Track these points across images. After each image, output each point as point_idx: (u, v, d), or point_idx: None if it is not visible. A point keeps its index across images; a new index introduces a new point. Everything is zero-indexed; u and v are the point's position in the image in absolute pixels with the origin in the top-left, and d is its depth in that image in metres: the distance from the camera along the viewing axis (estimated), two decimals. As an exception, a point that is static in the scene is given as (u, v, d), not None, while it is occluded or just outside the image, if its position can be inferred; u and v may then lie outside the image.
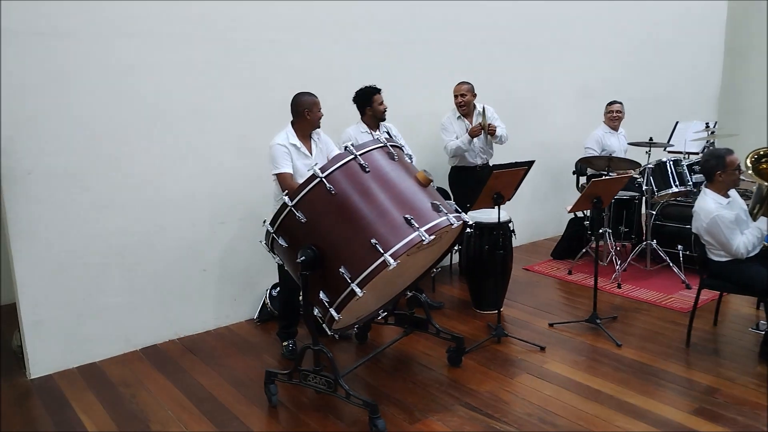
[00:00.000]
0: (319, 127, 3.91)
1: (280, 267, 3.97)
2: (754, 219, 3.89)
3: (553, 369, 3.86)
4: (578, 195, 6.33)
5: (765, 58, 8.56)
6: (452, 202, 3.41)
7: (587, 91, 6.95)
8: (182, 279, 4.44)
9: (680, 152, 6.33)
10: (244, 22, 4.47)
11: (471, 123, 5.18)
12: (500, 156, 5.31)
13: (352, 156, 3.17)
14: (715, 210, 3.78)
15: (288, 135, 3.81)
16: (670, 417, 3.28)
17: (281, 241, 3.23)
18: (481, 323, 4.65)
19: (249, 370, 3.96)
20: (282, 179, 3.75)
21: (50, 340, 3.95)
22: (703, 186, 3.96)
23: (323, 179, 3.10)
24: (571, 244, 6.05)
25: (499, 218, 4.28)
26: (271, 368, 3.56)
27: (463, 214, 3.36)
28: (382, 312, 3.81)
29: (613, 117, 6.15)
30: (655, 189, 5.52)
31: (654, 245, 5.49)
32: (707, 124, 6.31)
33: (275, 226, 3.23)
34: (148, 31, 4.07)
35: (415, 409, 3.43)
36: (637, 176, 5.73)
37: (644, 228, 5.83)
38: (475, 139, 5.11)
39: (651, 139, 5.50)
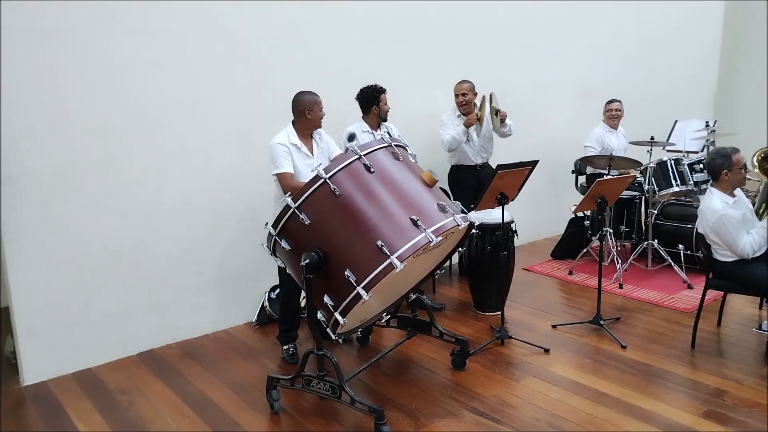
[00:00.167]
0: (320, 127, 3.83)
1: (281, 269, 3.90)
2: (760, 218, 3.86)
3: (558, 372, 3.80)
4: (577, 194, 6.37)
5: (761, 57, 8.56)
6: (458, 202, 3.33)
7: (586, 90, 6.92)
8: (179, 282, 4.35)
9: (680, 151, 6.30)
10: (244, 19, 4.39)
11: (473, 122, 5.12)
12: (499, 155, 5.26)
13: (357, 156, 3.09)
14: (721, 209, 3.74)
15: (289, 134, 3.73)
16: (679, 420, 3.23)
17: (284, 244, 3.15)
18: (483, 325, 4.59)
19: (249, 375, 3.88)
20: (282, 179, 3.67)
21: (45, 346, 3.85)
22: (709, 185, 3.92)
23: (327, 180, 3.02)
24: (571, 244, 6.01)
25: (503, 218, 4.22)
26: (272, 373, 3.48)
27: (469, 215, 3.29)
28: (386, 315, 3.73)
29: (613, 115, 6.11)
30: (656, 188, 5.48)
31: (655, 245, 5.45)
32: (707, 122, 6.29)
33: (278, 229, 3.15)
34: (144, 27, 3.98)
35: (420, 415, 3.36)
36: (638, 175, 5.69)
37: (644, 227, 5.79)
38: (474, 136, 5.05)
39: (652, 138, 5.46)
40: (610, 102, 6.14)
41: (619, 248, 5.63)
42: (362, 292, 2.92)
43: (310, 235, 3.06)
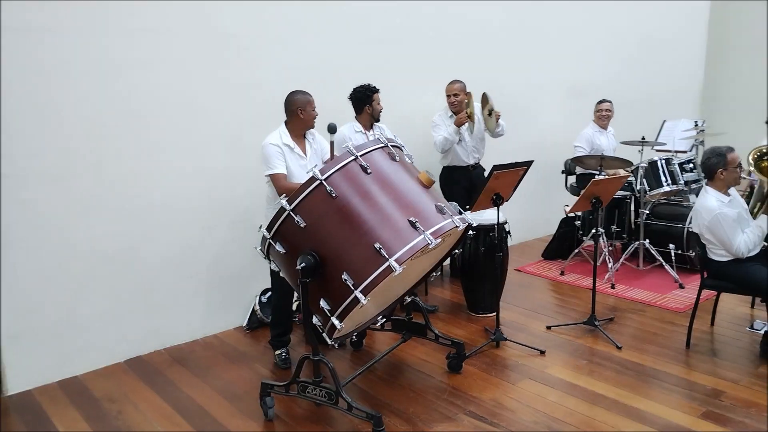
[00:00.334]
0: (313, 127, 3.76)
1: (273, 273, 3.81)
2: (755, 217, 3.86)
3: (555, 374, 3.77)
4: (567, 194, 6.35)
5: (746, 58, 8.64)
6: (455, 203, 3.28)
7: (577, 91, 6.91)
8: (168, 286, 4.25)
9: (669, 151, 6.30)
10: (235, 18, 4.30)
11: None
12: (489, 156, 5.24)
13: (353, 157, 3.03)
14: (717, 208, 3.73)
15: (281, 134, 3.66)
16: (678, 422, 3.21)
17: (279, 247, 3.08)
18: (477, 327, 4.54)
19: (241, 381, 3.79)
20: (275, 180, 3.60)
21: (29, 354, 3.73)
22: (704, 184, 3.91)
23: (323, 182, 2.95)
24: (563, 244, 6.00)
25: (498, 219, 4.18)
26: (266, 379, 3.40)
27: (466, 216, 3.24)
28: (381, 318, 3.67)
29: (603, 116, 6.12)
30: (647, 188, 5.48)
31: (647, 245, 5.45)
32: (696, 122, 6.31)
33: (272, 232, 3.07)
34: (134, 26, 3.88)
35: (417, 420, 3.30)
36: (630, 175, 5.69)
37: (633, 227, 5.79)
38: (466, 137, 5.01)
39: (643, 138, 5.46)
40: (600, 102, 6.14)
41: (610, 248, 5.62)
42: (360, 296, 2.86)
43: (306, 238, 2.99)
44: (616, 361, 3.92)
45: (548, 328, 4.45)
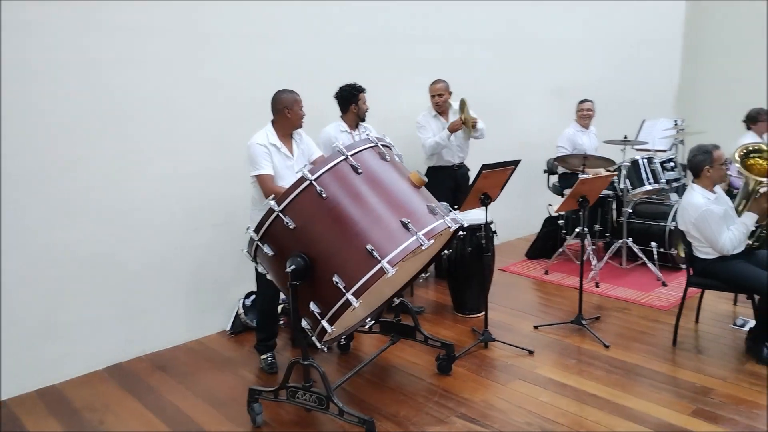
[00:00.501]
0: (300, 127, 3.68)
1: (258, 276, 3.73)
2: (739, 215, 3.88)
3: (545, 374, 3.75)
4: (550, 194, 6.36)
5: (721, 57, 8.76)
6: (445, 203, 3.24)
7: (558, 91, 6.93)
8: (149, 291, 4.14)
9: (648, 150, 6.35)
10: (217, 17, 4.21)
11: (447, 120, 5.05)
12: (472, 156, 5.23)
13: (343, 157, 2.97)
14: (704, 204, 3.75)
15: (268, 134, 3.57)
16: (670, 420, 3.20)
17: (267, 249, 3.00)
18: (463, 328, 4.51)
19: (226, 387, 3.70)
20: (262, 181, 3.51)
21: (5, 362, 3.59)
22: (690, 181, 3.92)
23: (313, 182, 2.88)
24: (546, 243, 6.00)
25: (486, 219, 4.15)
26: (254, 385, 3.33)
27: (458, 216, 3.20)
28: (370, 320, 3.61)
29: (584, 115, 6.14)
30: (629, 187, 5.50)
31: (629, 243, 5.47)
32: (676, 121, 6.36)
33: (260, 233, 2.99)
34: (113, 23, 3.77)
35: (408, 423, 3.25)
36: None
37: (615, 225, 5.82)
38: (453, 136, 4.98)
39: (626, 137, 5.49)
40: (581, 102, 6.16)
41: (593, 247, 5.64)
42: (352, 299, 2.80)
43: (295, 240, 2.91)
44: (605, 360, 3.92)
45: (535, 327, 4.43)
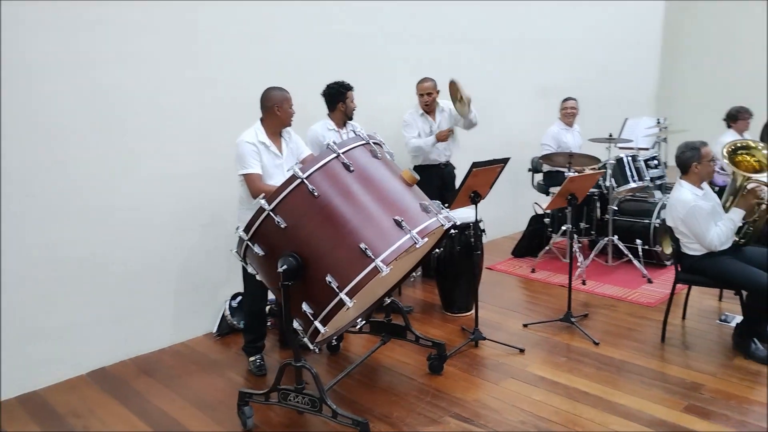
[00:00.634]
0: (290, 125, 3.62)
1: (246, 276, 3.67)
2: (726, 211, 3.90)
3: (536, 372, 3.74)
4: (534, 192, 6.37)
5: (700, 56, 8.88)
6: (437, 201, 3.20)
7: (542, 89, 6.95)
8: (134, 293, 4.04)
9: (631, 148, 6.39)
10: (205, 13, 4.13)
11: (434, 120, 5.03)
12: (456, 154, 5.22)
13: (335, 154, 2.92)
14: (692, 200, 3.76)
15: (257, 132, 3.50)
16: (662, 417, 3.20)
17: (257, 249, 2.94)
18: (452, 326, 4.48)
19: (214, 390, 3.63)
20: (250, 180, 3.44)
21: (-16, 368, 3.49)
22: (678, 178, 3.94)
23: (305, 180, 2.83)
24: (532, 242, 6.00)
25: (476, 217, 4.13)
26: (240, 387, 3.27)
27: (450, 214, 3.17)
28: (360, 321, 3.57)
29: (568, 113, 6.17)
30: (614, 185, 5.53)
31: (615, 240, 5.50)
32: (659, 120, 6.42)
33: (250, 233, 2.93)
34: (98, 20, 3.67)
35: (402, 424, 3.21)
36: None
37: (597, 223, 5.84)
38: (438, 145, 4.96)
39: (611, 135, 5.51)
40: (565, 100, 6.19)
41: (579, 245, 5.65)
42: (345, 299, 2.75)
43: (287, 240, 2.86)
44: (595, 357, 3.92)
45: (525, 326, 4.42)
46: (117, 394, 3.61)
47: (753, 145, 3.87)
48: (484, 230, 4.56)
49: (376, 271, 2.74)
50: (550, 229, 5.85)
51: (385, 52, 5.34)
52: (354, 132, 4.24)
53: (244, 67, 4.33)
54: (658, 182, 5.77)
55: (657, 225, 5.45)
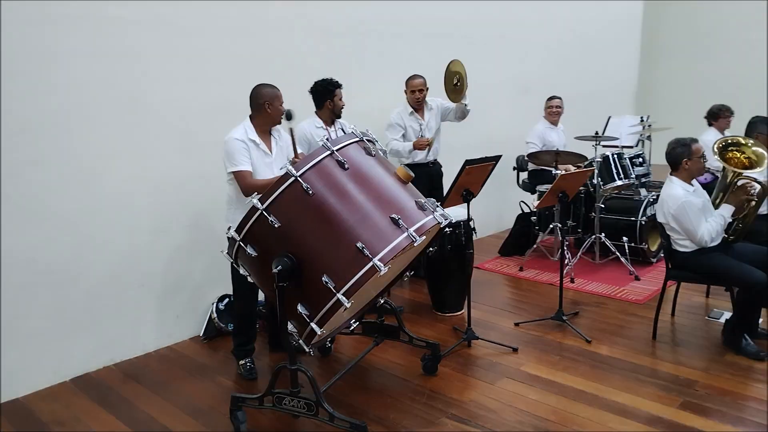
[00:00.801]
0: (280, 123, 3.54)
1: (235, 278, 3.59)
2: (716, 207, 3.92)
3: (531, 371, 3.71)
4: (519, 191, 6.37)
5: (678, 55, 8.98)
6: (432, 199, 3.15)
7: (524, 87, 6.95)
8: (117, 296, 3.92)
9: (616, 146, 6.42)
10: (189, 8, 4.03)
11: (422, 117, 4.98)
12: (441, 153, 5.19)
13: (329, 152, 2.85)
14: (683, 196, 3.77)
15: (246, 129, 3.42)
16: (659, 414, 3.19)
17: (249, 250, 2.86)
18: (443, 326, 4.44)
19: (204, 395, 3.54)
20: (241, 178, 3.35)
21: (-38, 377, 3.35)
22: (668, 174, 3.94)
23: (298, 178, 2.76)
24: (519, 240, 5.99)
25: (468, 215, 4.09)
26: (231, 391, 3.19)
27: (447, 212, 3.12)
28: (354, 322, 3.50)
29: (553, 112, 6.17)
30: (601, 183, 5.54)
31: (603, 238, 5.51)
32: (642, 118, 6.45)
33: (242, 233, 2.85)
34: (76, 12, 3.54)
35: (399, 426, 3.16)
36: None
37: (583, 221, 5.85)
38: (426, 132, 4.92)
39: (597, 133, 5.53)
40: (550, 99, 6.18)
41: (567, 243, 5.65)
42: (343, 299, 2.69)
43: (281, 239, 2.79)
44: (588, 355, 3.90)
45: (516, 324, 4.40)
46: (103, 400, 3.50)
47: (743, 141, 3.89)
48: (474, 229, 4.52)
49: (374, 270, 2.68)
50: (537, 228, 5.84)
51: (369, 49, 5.28)
52: (343, 130, 4.22)
53: (227, 64, 4.24)
54: (644, 180, 5.79)
55: (643, 222, 5.47)
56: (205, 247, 4.25)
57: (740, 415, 3.17)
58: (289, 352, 2.94)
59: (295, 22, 4.67)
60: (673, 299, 4.53)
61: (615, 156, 5.59)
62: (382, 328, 3.76)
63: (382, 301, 3.60)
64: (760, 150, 3.86)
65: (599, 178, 5.52)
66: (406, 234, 2.76)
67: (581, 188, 5.73)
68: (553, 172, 5.38)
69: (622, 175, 5.56)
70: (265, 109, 3.42)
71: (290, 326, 2.89)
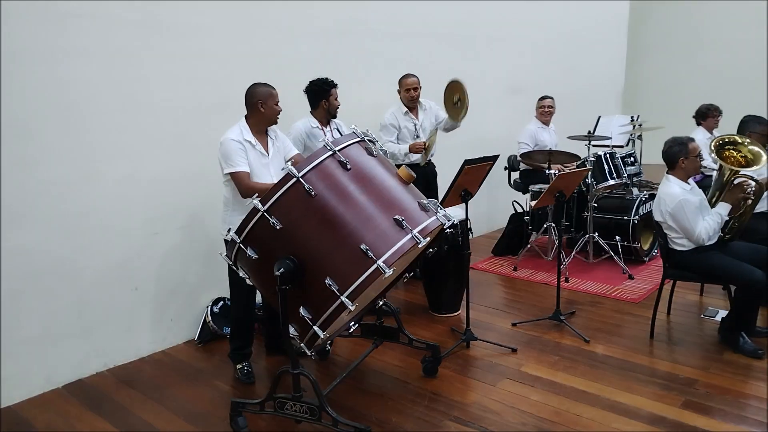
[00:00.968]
0: (275, 123, 3.47)
1: (233, 281, 3.53)
2: (713, 206, 3.93)
3: (531, 372, 3.69)
4: (511, 191, 6.36)
5: (663, 56, 9.04)
6: (434, 200, 3.11)
7: (514, 87, 6.95)
8: (109, 300, 3.84)
9: (607, 145, 6.44)
10: (183, 7, 3.95)
11: (416, 117, 4.95)
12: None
13: (330, 152, 2.80)
14: (680, 194, 3.77)
15: (242, 130, 3.35)
16: (662, 414, 3.18)
17: (250, 252, 2.80)
18: (441, 327, 4.41)
19: (201, 400, 3.47)
20: (238, 179, 3.28)
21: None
22: (665, 173, 3.95)
23: (300, 179, 2.71)
24: (512, 240, 5.98)
25: (467, 216, 4.06)
26: (228, 396, 3.13)
27: (449, 213, 3.09)
28: (353, 324, 3.45)
29: (545, 112, 6.17)
30: (594, 182, 5.55)
31: (596, 237, 5.51)
32: (632, 117, 6.48)
33: (243, 235, 2.79)
34: (68, 10, 3.46)
35: (403, 430, 3.11)
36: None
37: (575, 220, 5.86)
38: (420, 132, 4.89)
39: (590, 132, 5.53)
40: (542, 98, 6.19)
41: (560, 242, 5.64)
42: (347, 302, 2.64)
43: (283, 241, 2.73)
44: (587, 355, 3.89)
45: (514, 325, 4.38)
46: (98, 407, 3.42)
47: (740, 140, 3.91)
48: (471, 229, 4.50)
49: (378, 272, 2.63)
50: (531, 227, 5.83)
51: (360, 49, 5.23)
52: (338, 130, 4.18)
53: (220, 63, 4.17)
54: (635, 179, 5.81)
55: (636, 221, 5.48)
56: (200, 249, 4.18)
57: (742, 414, 3.17)
58: (291, 356, 2.89)
59: (290, 22, 4.61)
60: (668, 298, 4.54)
61: (607, 155, 5.60)
62: (381, 329, 3.72)
63: (381, 303, 3.56)
64: (756, 148, 3.87)
65: (592, 178, 5.52)
66: (410, 236, 2.73)
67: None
68: (547, 171, 5.37)
69: (614, 175, 5.56)
70: (259, 108, 3.35)
71: (292, 330, 2.84)
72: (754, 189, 3.84)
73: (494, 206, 6.69)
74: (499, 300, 4.98)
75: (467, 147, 5.72)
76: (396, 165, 3.13)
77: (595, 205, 5.58)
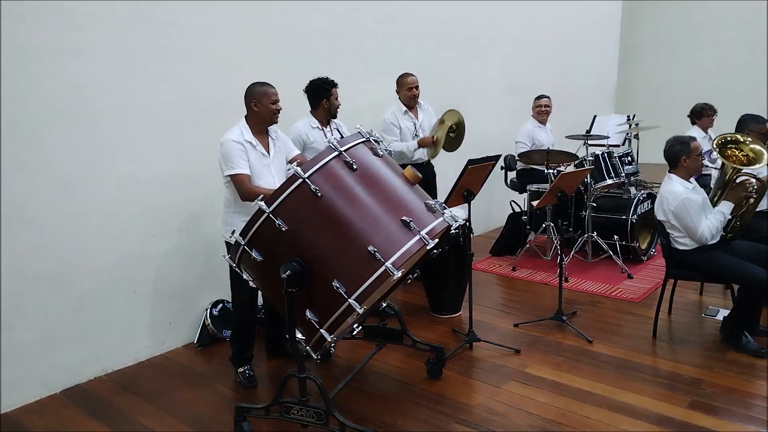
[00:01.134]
0: (273, 122, 3.39)
1: (234, 283, 3.48)
2: (714, 205, 3.93)
3: (536, 373, 3.67)
4: (508, 190, 6.35)
5: (656, 56, 9.08)
6: (440, 200, 3.08)
7: (510, 87, 6.93)
8: (107, 304, 3.77)
9: (603, 145, 6.44)
10: (180, 6, 3.89)
11: (416, 117, 4.92)
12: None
13: (336, 153, 2.76)
14: (683, 193, 3.77)
15: (242, 130, 3.29)
16: (669, 414, 3.17)
17: (255, 255, 2.76)
18: (444, 329, 4.38)
19: (203, 404, 3.42)
20: (238, 182, 3.23)
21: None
22: (667, 172, 3.94)
23: (306, 180, 2.67)
24: (510, 240, 5.96)
25: (469, 216, 4.03)
26: (230, 400, 3.08)
27: (456, 214, 3.05)
28: (357, 326, 3.41)
29: (542, 111, 6.16)
30: (592, 182, 5.54)
31: (595, 237, 5.51)
32: (629, 116, 6.48)
33: (248, 237, 2.75)
34: (62, 9, 3.39)
35: (408, 433, 3.09)
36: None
37: (573, 220, 5.85)
38: (420, 132, 4.86)
39: (588, 131, 5.52)
40: (539, 98, 6.17)
41: (558, 242, 5.63)
42: (355, 304, 2.61)
43: (288, 243, 2.69)
44: (591, 355, 3.88)
45: (516, 325, 4.36)
46: (97, 413, 3.36)
47: (741, 139, 3.91)
48: (471, 229, 4.47)
49: (387, 274, 2.60)
50: (528, 227, 5.82)
51: (356, 48, 5.19)
52: (339, 130, 4.13)
53: (220, 64, 4.11)
54: (633, 178, 5.81)
55: (634, 220, 5.48)
56: (198, 251, 4.13)
57: (748, 414, 3.16)
58: (297, 359, 2.84)
59: (290, 22, 4.56)
60: (669, 297, 4.53)
61: (605, 155, 5.60)
62: (384, 332, 3.68)
63: (384, 305, 3.52)
64: (759, 147, 3.88)
65: (590, 177, 5.51)
66: (418, 237, 2.69)
67: (572, 187, 5.73)
68: (546, 171, 5.36)
69: (612, 174, 5.56)
70: (253, 107, 3.29)
71: (298, 333, 2.80)
72: (756, 187, 3.84)
73: (491, 206, 6.67)
74: (499, 300, 4.96)
75: (465, 147, 5.68)
76: (401, 165, 3.10)
77: (594, 204, 5.57)
